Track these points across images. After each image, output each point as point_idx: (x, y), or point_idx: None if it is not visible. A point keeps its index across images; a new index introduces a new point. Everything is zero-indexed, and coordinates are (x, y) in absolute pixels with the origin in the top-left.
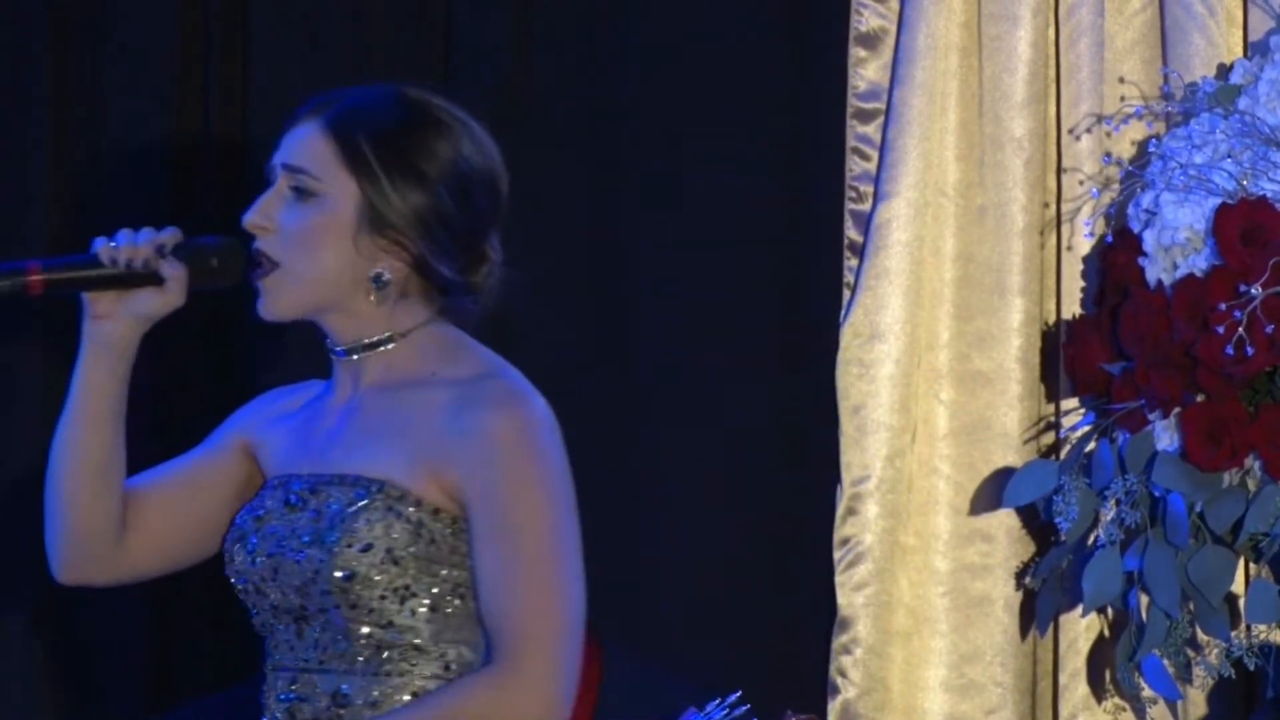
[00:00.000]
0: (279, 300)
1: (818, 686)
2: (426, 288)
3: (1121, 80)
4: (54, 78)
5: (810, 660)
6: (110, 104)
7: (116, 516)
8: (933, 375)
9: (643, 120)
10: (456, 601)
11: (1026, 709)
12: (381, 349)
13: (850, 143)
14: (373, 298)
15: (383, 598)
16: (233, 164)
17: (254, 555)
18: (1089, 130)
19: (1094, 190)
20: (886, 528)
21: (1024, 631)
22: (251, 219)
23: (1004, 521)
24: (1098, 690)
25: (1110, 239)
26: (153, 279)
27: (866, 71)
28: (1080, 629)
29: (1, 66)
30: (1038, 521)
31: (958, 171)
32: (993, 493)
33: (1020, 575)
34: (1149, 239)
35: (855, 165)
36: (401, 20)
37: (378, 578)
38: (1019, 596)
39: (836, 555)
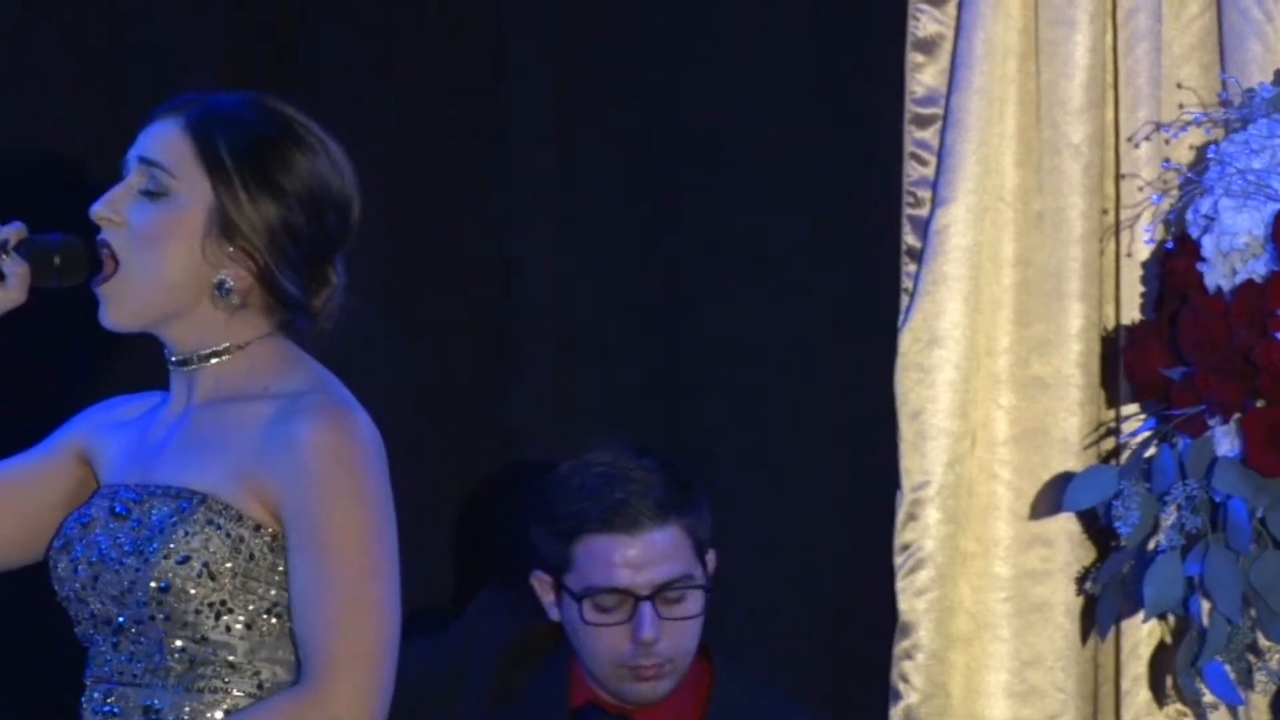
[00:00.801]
0: (121, 308)
1: (879, 692)
2: (268, 301)
3: (1179, 86)
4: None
5: (872, 666)
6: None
7: None
8: (992, 381)
9: (699, 125)
10: (273, 620)
11: (1088, 714)
12: (216, 360)
13: (908, 148)
14: (214, 305)
15: (198, 612)
16: None
17: (77, 564)
18: (1147, 138)
19: (1155, 196)
20: (947, 533)
21: (1085, 637)
22: (100, 210)
23: (1064, 527)
24: (1159, 696)
25: (1171, 245)
26: None
27: (924, 77)
28: (1142, 634)
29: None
30: (1098, 527)
31: (1016, 177)
32: (1053, 498)
33: (1081, 580)
34: (1208, 245)
35: (913, 170)
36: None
37: (193, 591)
38: (1080, 602)
39: (897, 561)
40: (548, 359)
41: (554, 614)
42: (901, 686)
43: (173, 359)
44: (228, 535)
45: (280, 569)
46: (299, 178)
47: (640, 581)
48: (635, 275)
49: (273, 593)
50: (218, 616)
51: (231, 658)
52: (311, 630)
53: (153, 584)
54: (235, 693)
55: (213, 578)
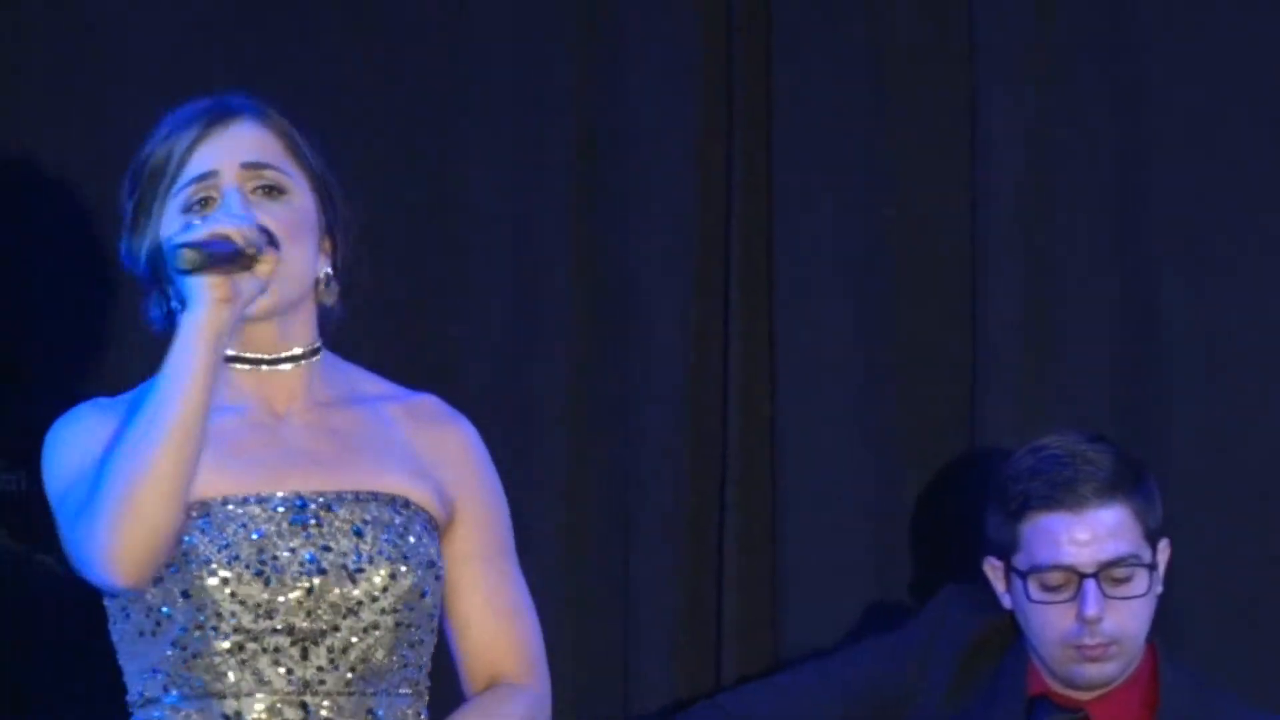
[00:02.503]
0: (280, 295)
1: None
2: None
3: None
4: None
5: None
6: (626, 107)
7: None
8: None
9: (1167, 126)
10: (435, 621)
11: None
12: (314, 359)
13: None
14: (314, 302)
15: (430, 616)
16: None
17: (268, 578)
18: None
19: None
20: None
21: None
22: (258, 218)
23: None
24: None
25: None
26: (254, 261)
27: None
28: None
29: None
30: None
31: None
32: None
33: None
34: None
35: None
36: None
37: (434, 597)
38: None
39: None
40: (1016, 360)
41: (1006, 602)
42: None
43: (263, 358)
44: (434, 539)
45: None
46: (322, 162)
47: (1085, 559)
48: (1104, 274)
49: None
50: (431, 619)
51: (426, 658)
52: (512, 632)
53: (412, 592)
54: (419, 693)
55: (438, 580)
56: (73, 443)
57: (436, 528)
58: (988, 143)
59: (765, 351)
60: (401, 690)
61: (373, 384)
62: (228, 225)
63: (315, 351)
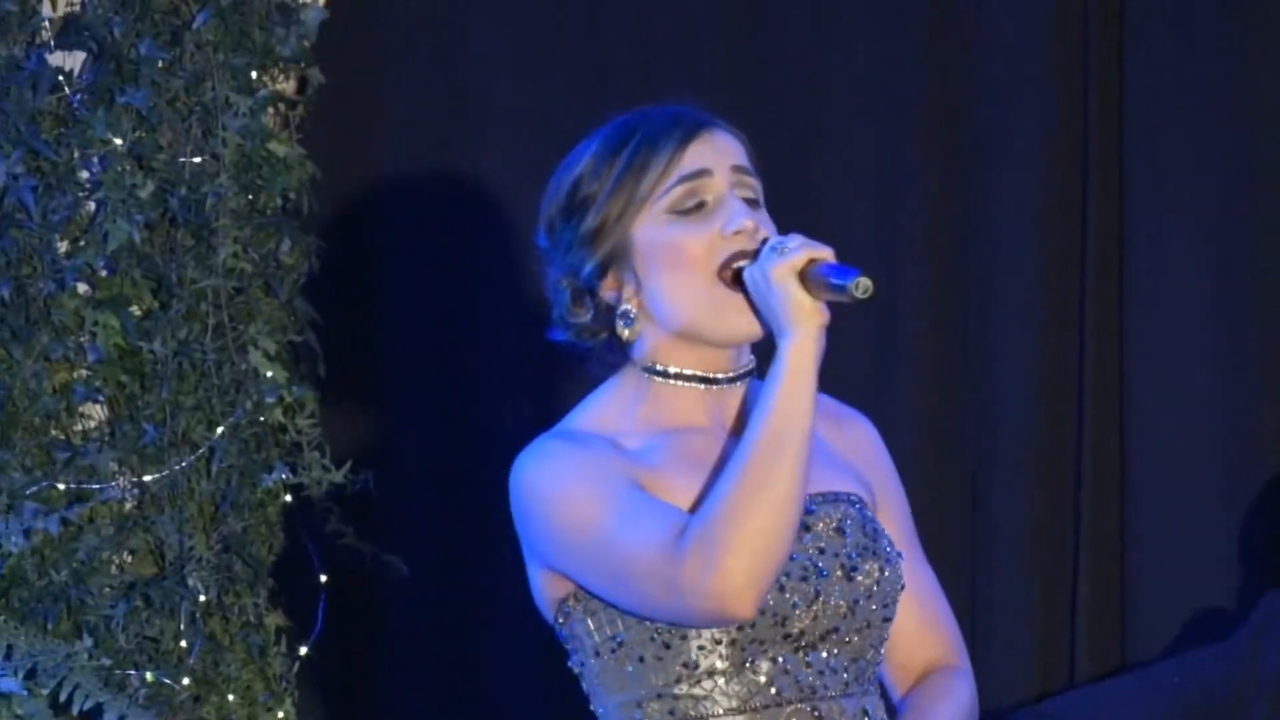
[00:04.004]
0: None
1: None
2: None
3: None
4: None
5: None
6: (982, 107)
7: None
8: None
9: None
10: None
11: None
12: (750, 377)
13: None
14: None
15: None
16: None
17: (784, 587)
18: None
19: None
20: None
21: None
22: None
23: None
24: None
25: None
26: None
27: None
28: None
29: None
30: None
31: None
32: None
33: None
34: None
35: None
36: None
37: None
38: None
39: None
40: None
41: None
42: None
43: (711, 375)
44: None
45: None
46: None
47: None
48: None
49: None
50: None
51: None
52: (943, 618)
53: (895, 585)
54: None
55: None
56: (575, 481)
57: None
58: None
59: (1116, 350)
60: (874, 687)
61: None
62: (821, 250)
63: (754, 370)
